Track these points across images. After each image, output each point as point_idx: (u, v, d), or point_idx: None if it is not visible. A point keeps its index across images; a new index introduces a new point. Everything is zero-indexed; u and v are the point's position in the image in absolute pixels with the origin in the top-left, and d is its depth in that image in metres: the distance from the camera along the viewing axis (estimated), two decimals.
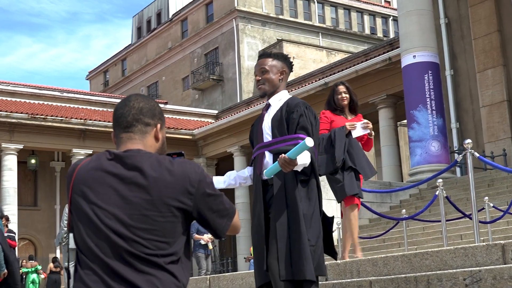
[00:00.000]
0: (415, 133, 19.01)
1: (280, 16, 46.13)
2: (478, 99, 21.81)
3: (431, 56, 19.41)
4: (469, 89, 22.16)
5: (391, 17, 52.76)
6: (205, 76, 45.34)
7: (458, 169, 20.63)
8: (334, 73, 30.88)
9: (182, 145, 33.58)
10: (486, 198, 11.58)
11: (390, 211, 16.80)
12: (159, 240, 2.42)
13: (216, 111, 41.06)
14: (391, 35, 51.06)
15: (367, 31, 50.89)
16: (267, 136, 4.52)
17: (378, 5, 53.25)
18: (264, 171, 4.20)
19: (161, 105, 17.59)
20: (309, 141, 3.88)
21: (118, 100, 22.93)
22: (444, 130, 19.29)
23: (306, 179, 4.34)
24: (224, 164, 34.80)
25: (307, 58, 43.36)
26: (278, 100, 4.62)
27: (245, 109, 34.34)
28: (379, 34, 51.38)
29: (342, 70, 30.51)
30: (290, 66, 4.69)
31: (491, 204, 11.47)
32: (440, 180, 10.70)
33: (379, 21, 52.16)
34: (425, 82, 19.05)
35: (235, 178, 4.77)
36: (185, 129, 35.49)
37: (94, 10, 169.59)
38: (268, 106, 4.67)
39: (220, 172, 32.96)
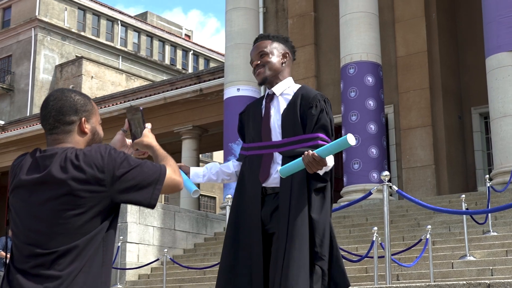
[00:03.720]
0: None
1: (82, 33, 44.48)
2: None
3: (254, 91, 19.40)
4: None
5: (192, 51, 53.05)
6: None
7: None
8: (139, 98, 30.02)
9: None
10: None
11: (204, 242, 16.30)
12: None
13: (2, 122, 38.30)
14: (190, 69, 51.30)
15: (167, 61, 50.65)
16: (278, 135, 3.72)
17: (180, 37, 53.34)
18: (279, 168, 3.37)
19: None
20: (351, 138, 3.15)
21: None
22: None
23: (322, 186, 3.60)
24: None
25: (106, 80, 42.04)
26: (285, 89, 3.82)
27: (36, 124, 32.30)
28: (179, 66, 51.35)
29: (146, 96, 29.78)
30: (292, 50, 3.94)
31: None
32: None
33: (179, 53, 52.18)
34: None
35: (217, 173, 3.93)
36: None
37: None
38: (272, 96, 3.85)
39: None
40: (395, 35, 20.63)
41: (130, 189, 2.43)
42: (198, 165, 28.24)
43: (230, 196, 10.42)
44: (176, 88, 28.47)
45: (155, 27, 51.22)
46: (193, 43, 54.66)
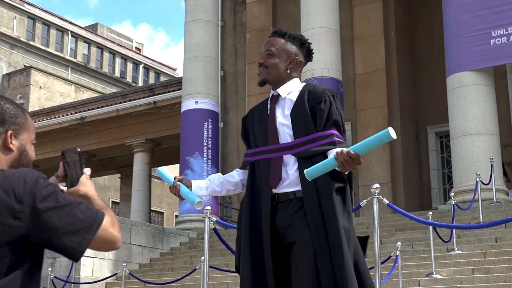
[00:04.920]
0: None
1: (31, 42, 43.56)
2: None
3: (212, 104, 19.15)
4: (237, 144, 22.24)
5: (142, 64, 52.54)
6: None
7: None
8: (89, 109, 29.42)
9: None
10: (203, 258, 11.03)
11: (161, 257, 15.91)
12: None
13: None
14: (140, 82, 50.77)
15: (117, 74, 50.02)
16: (288, 136, 3.46)
17: (130, 50, 52.78)
18: (306, 170, 3.11)
19: None
20: (392, 132, 2.91)
21: None
22: None
23: (342, 186, 3.37)
24: None
25: (55, 90, 41.18)
26: (291, 90, 3.58)
27: None
28: (129, 78, 50.75)
29: (98, 108, 29.21)
30: (308, 54, 3.69)
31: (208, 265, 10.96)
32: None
33: (130, 66, 51.60)
34: (204, 129, 18.68)
35: (222, 183, 3.65)
36: None
37: None
38: (277, 98, 3.60)
39: None
40: (354, 52, 20.67)
41: (52, 232, 1.92)
42: (149, 179, 27.81)
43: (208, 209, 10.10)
44: (130, 100, 28.00)
45: (106, 39, 50.58)
46: (144, 56, 54.16)
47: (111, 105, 28.81)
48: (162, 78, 51.73)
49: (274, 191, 3.40)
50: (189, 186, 3.61)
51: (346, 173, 3.30)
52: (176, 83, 28.24)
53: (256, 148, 3.58)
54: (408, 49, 21.09)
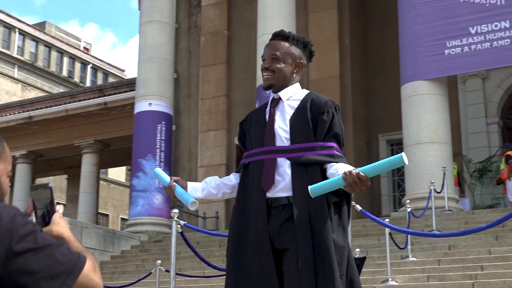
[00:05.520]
0: (140, 183, 18.21)
1: None
2: (197, 159, 21.81)
3: (166, 107, 18.97)
4: (189, 147, 22.10)
5: (91, 64, 51.86)
6: None
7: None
8: (37, 108, 28.88)
9: None
10: (159, 261, 10.99)
11: (111, 260, 15.67)
12: None
13: None
14: (88, 82, 50.11)
15: (65, 73, 49.26)
16: (284, 140, 3.38)
17: (78, 50, 52.05)
18: (310, 187, 3.03)
19: None
20: (405, 158, 2.88)
21: None
22: None
23: (338, 201, 3.28)
24: None
25: (1, 88, 40.44)
26: (292, 95, 3.52)
27: None
28: (76, 78, 50.03)
29: (47, 107, 28.69)
30: (310, 55, 3.62)
31: (163, 269, 10.90)
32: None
33: (78, 65, 50.88)
34: (158, 132, 18.49)
35: (218, 186, 3.55)
36: None
37: None
38: (278, 101, 3.51)
39: None
40: None
41: (29, 276, 1.73)
42: (97, 181, 27.43)
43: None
44: (79, 101, 27.59)
45: (54, 37, 49.77)
46: (92, 56, 53.47)
47: (59, 104, 28.35)
48: (111, 79, 51.15)
49: (268, 195, 3.32)
50: (184, 188, 3.54)
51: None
52: (126, 84, 27.94)
53: (251, 151, 3.50)
54: (362, 57, 21.28)
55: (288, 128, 3.40)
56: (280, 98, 3.52)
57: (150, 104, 18.70)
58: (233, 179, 3.60)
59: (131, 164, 19.79)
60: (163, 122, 18.70)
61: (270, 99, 3.57)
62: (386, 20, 21.00)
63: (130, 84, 26.99)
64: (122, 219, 47.42)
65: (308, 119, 3.37)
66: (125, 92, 26.50)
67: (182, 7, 23.28)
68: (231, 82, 21.97)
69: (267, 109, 3.55)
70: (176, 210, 7.24)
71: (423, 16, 15.57)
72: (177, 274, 11.23)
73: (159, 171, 3.71)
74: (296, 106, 3.46)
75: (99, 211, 42.88)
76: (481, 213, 14.20)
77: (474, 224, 13.17)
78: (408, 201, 12.32)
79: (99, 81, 51.52)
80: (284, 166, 3.34)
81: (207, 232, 8.23)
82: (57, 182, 42.28)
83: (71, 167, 31.29)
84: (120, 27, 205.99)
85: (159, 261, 11.05)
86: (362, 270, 11.46)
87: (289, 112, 3.45)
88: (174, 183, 3.54)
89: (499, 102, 19.63)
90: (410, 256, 11.65)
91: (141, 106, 18.83)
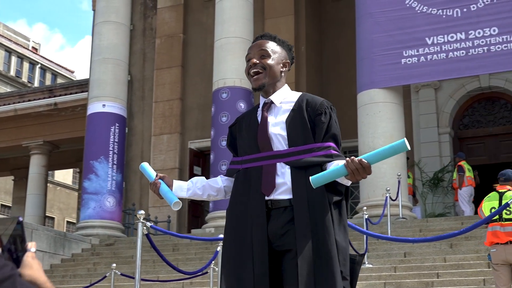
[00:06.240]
0: (92, 185, 17.88)
1: None
2: (150, 162, 21.55)
3: (120, 108, 18.71)
4: (141, 150, 21.84)
5: (39, 65, 51.00)
6: None
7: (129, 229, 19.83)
8: None
9: None
10: (114, 265, 10.85)
11: (62, 264, 15.35)
12: None
13: None
14: (36, 83, 49.25)
15: (13, 73, 48.31)
16: (281, 143, 3.26)
17: (27, 49, 51.13)
18: (312, 177, 2.94)
19: None
20: (407, 143, 2.82)
21: None
22: (121, 186, 18.53)
23: (339, 200, 3.18)
24: None
25: None
26: (284, 97, 3.38)
27: None
28: (24, 78, 49.11)
29: None
30: (292, 61, 3.50)
31: (118, 272, 10.76)
32: None
33: (26, 65, 49.96)
34: (111, 134, 18.22)
35: (204, 187, 3.44)
36: None
37: None
38: (269, 105, 3.38)
39: None
40: None
41: None
42: (45, 183, 26.93)
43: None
44: (28, 100, 27.04)
45: (2, 36, 48.77)
46: (41, 56, 52.59)
47: (8, 104, 27.75)
48: (59, 80, 50.36)
49: (267, 198, 3.22)
50: (170, 185, 3.43)
51: (349, 184, 3.17)
52: (77, 86, 27.50)
53: (245, 156, 3.37)
54: (317, 64, 21.37)
55: (285, 131, 3.29)
56: (272, 102, 3.39)
57: (104, 105, 18.41)
58: (220, 182, 3.50)
59: (80, 166, 19.37)
60: (117, 124, 18.43)
61: (262, 103, 3.45)
62: (342, 28, 21.14)
63: (81, 85, 26.59)
64: (68, 222, 46.67)
65: (306, 121, 3.26)
66: (76, 93, 26.09)
67: (138, 8, 23.03)
68: (186, 86, 21.81)
69: (259, 113, 3.43)
70: (142, 212, 7.08)
71: (380, 25, 15.71)
72: (129, 277, 11.06)
73: (146, 165, 3.61)
74: (290, 108, 3.34)
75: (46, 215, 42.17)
76: (435, 221, 14.36)
77: (428, 231, 13.31)
78: (365, 208, 12.36)
79: (48, 81, 50.67)
80: (284, 170, 3.24)
81: (175, 234, 8.09)
82: (2, 184, 41.42)
83: (18, 168, 30.66)
84: (69, 28, 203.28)
85: (114, 265, 10.86)
86: None
87: (284, 115, 3.34)
88: (160, 180, 3.44)
89: (451, 112, 19.92)
90: (367, 263, 11.69)
91: (94, 107, 18.53)
